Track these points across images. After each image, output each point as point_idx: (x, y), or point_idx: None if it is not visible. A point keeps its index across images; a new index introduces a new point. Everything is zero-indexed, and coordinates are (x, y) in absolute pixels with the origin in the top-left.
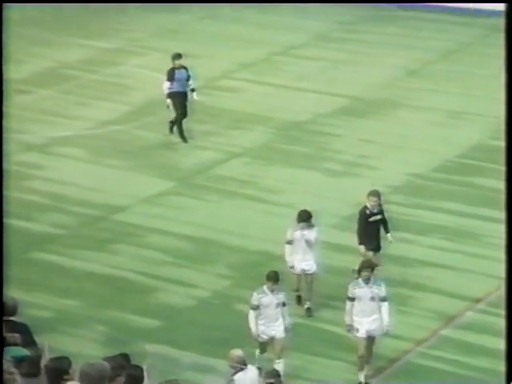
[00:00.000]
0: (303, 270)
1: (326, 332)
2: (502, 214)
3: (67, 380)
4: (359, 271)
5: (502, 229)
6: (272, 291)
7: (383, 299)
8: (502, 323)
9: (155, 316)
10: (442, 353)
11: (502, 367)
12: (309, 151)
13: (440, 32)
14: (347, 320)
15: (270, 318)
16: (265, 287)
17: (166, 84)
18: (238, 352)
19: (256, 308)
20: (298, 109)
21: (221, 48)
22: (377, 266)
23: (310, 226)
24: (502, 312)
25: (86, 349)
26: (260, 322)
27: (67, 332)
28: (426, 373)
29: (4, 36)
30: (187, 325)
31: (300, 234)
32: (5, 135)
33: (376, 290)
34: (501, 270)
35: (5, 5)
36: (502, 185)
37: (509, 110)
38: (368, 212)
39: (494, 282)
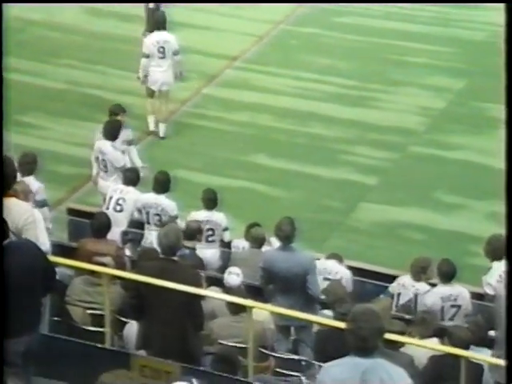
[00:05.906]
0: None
1: (92, 96)
2: None
3: None
4: None
5: None
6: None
7: None
8: (259, 78)
9: None
10: (205, 110)
11: None
12: None
13: None
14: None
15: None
16: None
17: None
18: None
19: None
20: None
21: None
22: None
23: None
24: (259, 68)
25: None
26: None
27: None
28: (193, 130)
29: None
30: None
31: None
32: None
33: None
34: (257, 28)
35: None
36: None
37: (509, 111)
38: None
39: (249, 39)
